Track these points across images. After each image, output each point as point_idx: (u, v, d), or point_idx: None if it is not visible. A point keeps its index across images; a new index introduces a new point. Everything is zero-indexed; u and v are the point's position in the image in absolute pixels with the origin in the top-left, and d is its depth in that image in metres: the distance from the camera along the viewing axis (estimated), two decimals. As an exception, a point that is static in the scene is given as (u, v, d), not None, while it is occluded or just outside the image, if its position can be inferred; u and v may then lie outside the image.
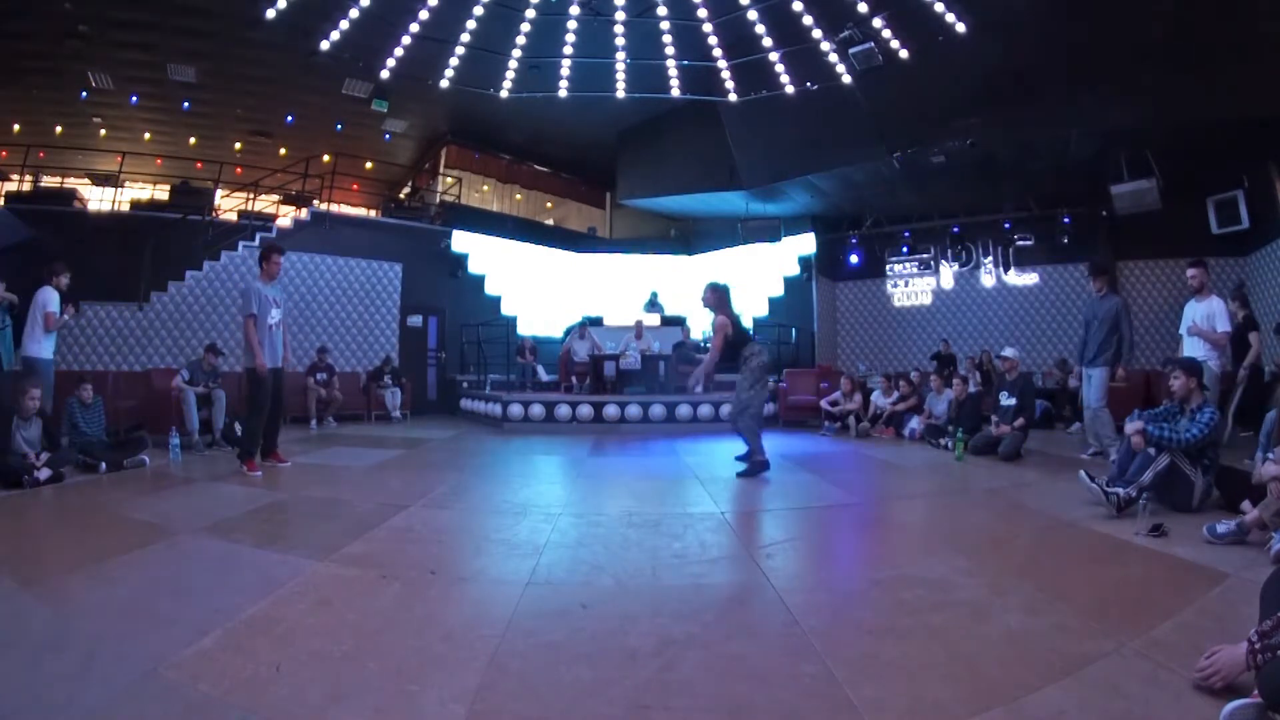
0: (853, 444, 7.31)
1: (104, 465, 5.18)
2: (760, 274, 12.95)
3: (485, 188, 15.21)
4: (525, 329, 12.60)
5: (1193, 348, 5.22)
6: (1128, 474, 3.73)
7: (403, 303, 11.49)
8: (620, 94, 9.24)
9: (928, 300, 12.35)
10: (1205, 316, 5.19)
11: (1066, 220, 10.59)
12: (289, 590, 2.48)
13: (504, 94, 9.09)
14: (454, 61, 8.67)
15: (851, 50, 7.54)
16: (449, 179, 13.61)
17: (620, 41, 8.44)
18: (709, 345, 11.72)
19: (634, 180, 13.44)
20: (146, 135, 13.78)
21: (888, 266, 12.42)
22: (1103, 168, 9.04)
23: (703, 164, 11.60)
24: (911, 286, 12.49)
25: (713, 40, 8.38)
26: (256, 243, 10.18)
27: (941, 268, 12.10)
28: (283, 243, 9.78)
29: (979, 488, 4.81)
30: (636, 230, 15.82)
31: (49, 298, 5.82)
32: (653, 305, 12.67)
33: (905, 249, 12.22)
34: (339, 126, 13.85)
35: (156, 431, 6.34)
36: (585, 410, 8.37)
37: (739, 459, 5.12)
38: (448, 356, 12.04)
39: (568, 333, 12.19)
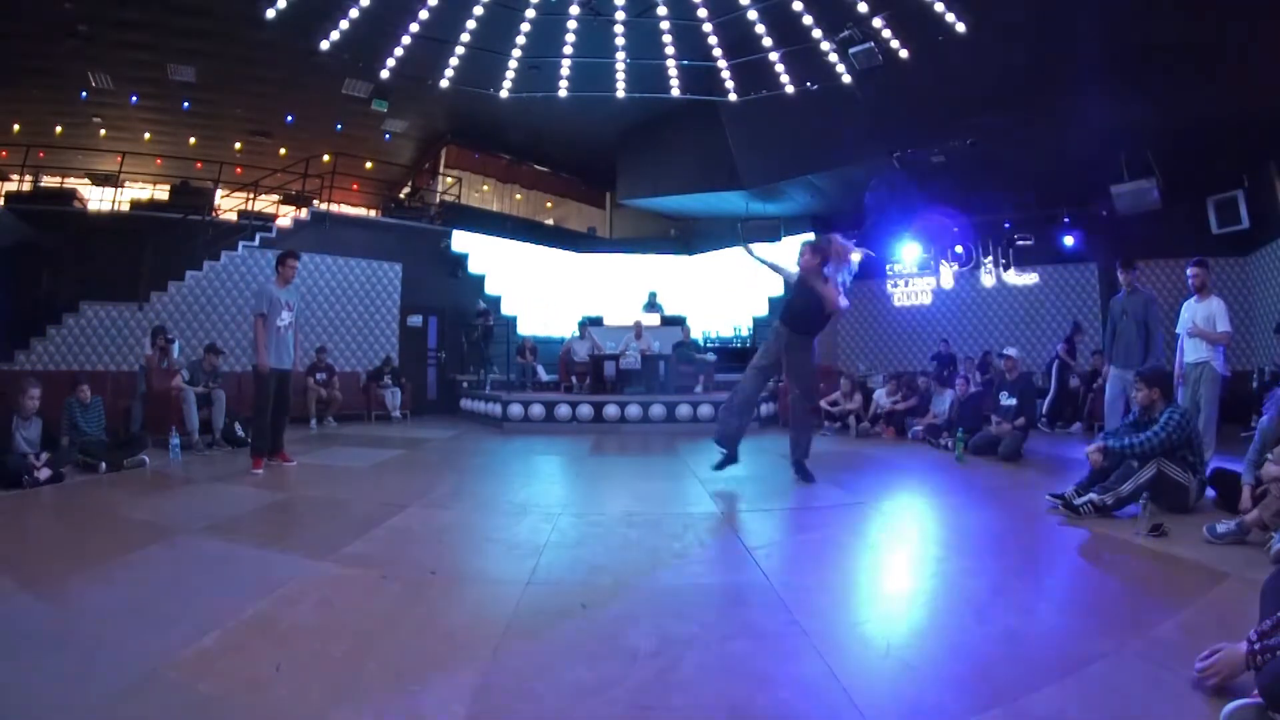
0: (853, 444, 7.30)
1: (104, 465, 5.18)
2: (760, 274, 12.96)
3: (485, 188, 15.21)
4: (525, 329, 12.60)
5: (1194, 349, 5.14)
6: (1108, 481, 3.70)
7: (403, 303, 11.49)
8: (620, 94, 9.24)
9: (928, 300, 12.34)
10: (1206, 317, 5.11)
11: (1066, 220, 10.59)
12: (289, 590, 2.48)
13: (504, 94, 9.08)
14: (454, 61, 8.66)
15: (851, 50, 7.53)
16: (449, 179, 13.61)
17: (620, 41, 8.44)
18: (709, 346, 11.71)
19: (634, 180, 13.44)
20: (146, 135, 13.78)
21: (888, 266, 12.40)
22: (1103, 168, 9.04)
23: (703, 164, 11.59)
24: (911, 286, 12.48)
25: (713, 40, 8.38)
26: (256, 243, 10.19)
27: (941, 268, 12.09)
28: (283, 243, 9.83)
29: (979, 488, 4.81)
30: (636, 230, 15.82)
31: None
32: (652, 305, 12.67)
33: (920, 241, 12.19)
34: (339, 126, 13.85)
35: (157, 432, 6.35)
36: (585, 410, 8.37)
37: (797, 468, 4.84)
38: (448, 356, 12.05)
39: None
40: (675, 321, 11.87)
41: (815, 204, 11.95)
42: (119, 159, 11.96)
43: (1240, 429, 7.26)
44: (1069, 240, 10.62)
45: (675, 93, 9.15)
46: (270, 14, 7.52)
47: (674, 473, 5.39)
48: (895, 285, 12.59)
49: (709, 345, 12.53)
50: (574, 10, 7.93)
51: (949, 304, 12.13)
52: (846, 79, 8.10)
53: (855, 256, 4.74)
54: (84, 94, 11.96)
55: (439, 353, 12.06)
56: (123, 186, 12.10)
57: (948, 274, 12.11)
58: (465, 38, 8.26)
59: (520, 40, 8.36)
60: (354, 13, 7.65)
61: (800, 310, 4.69)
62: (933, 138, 8.79)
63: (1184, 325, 5.26)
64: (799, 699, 1.71)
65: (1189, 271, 5.35)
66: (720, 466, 4.79)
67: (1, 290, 8.95)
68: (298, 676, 1.80)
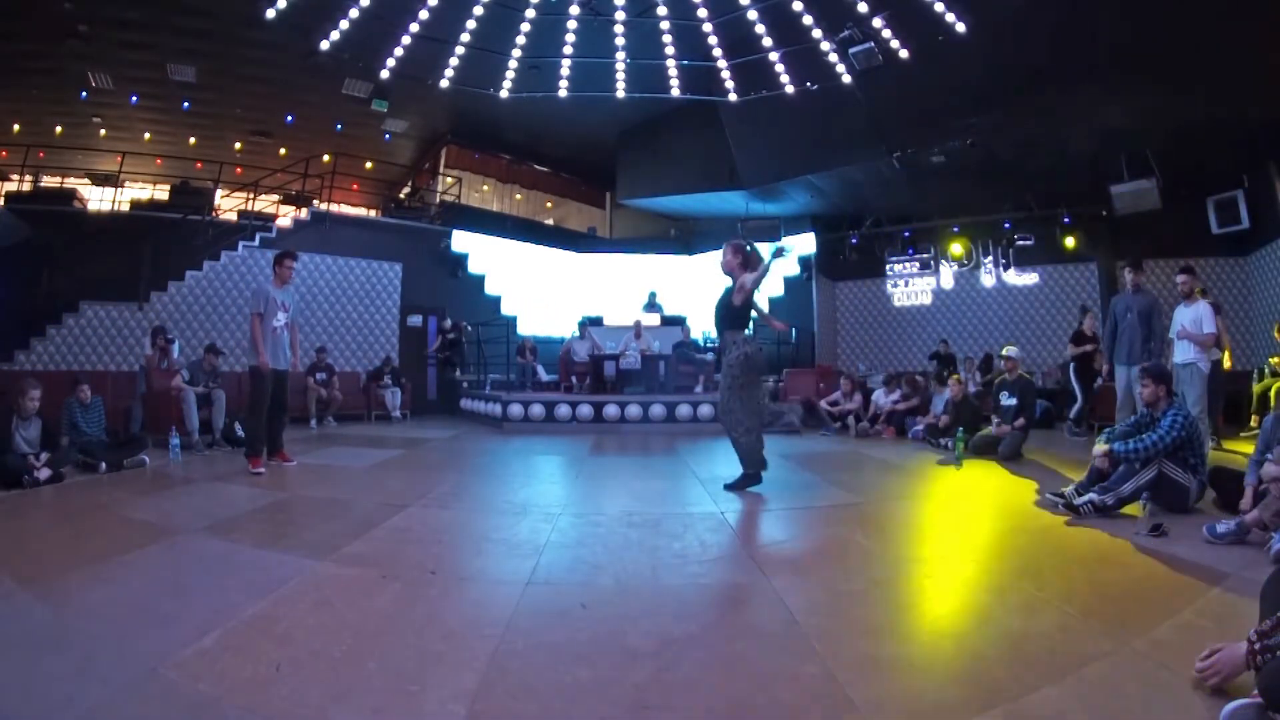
0: (853, 444, 7.30)
1: (104, 465, 5.18)
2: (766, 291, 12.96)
3: (485, 188, 15.21)
4: (525, 329, 12.60)
5: (1183, 351, 5.34)
6: (1108, 481, 3.70)
7: (403, 303, 11.50)
8: (620, 94, 9.24)
9: (928, 300, 12.35)
10: (1193, 320, 5.33)
11: (1067, 220, 10.59)
12: (289, 590, 2.47)
13: (504, 94, 9.08)
14: (454, 61, 8.66)
15: (851, 50, 7.54)
16: (449, 179, 13.61)
17: (620, 41, 8.44)
18: (709, 346, 11.69)
19: (634, 180, 13.44)
20: (146, 135, 13.79)
21: (888, 266, 12.42)
22: (1103, 168, 9.04)
23: (703, 164, 11.60)
24: (911, 286, 12.49)
25: (713, 40, 8.38)
26: (256, 243, 10.19)
27: (941, 268, 12.10)
28: (283, 243, 9.84)
29: (979, 488, 4.81)
30: (636, 230, 15.82)
31: None
32: (651, 305, 12.66)
33: (910, 249, 12.21)
34: (339, 126, 13.86)
35: (157, 432, 6.35)
36: (585, 410, 8.37)
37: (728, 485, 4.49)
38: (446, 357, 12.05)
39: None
40: (675, 321, 11.85)
41: (815, 204, 11.96)
42: (119, 159, 11.96)
43: (1239, 429, 7.27)
44: (1069, 240, 10.62)
45: (675, 93, 9.16)
46: (270, 14, 7.53)
47: (674, 473, 5.39)
48: (895, 285, 12.60)
49: (709, 345, 12.51)
50: (574, 10, 7.94)
51: (949, 304, 12.14)
52: (846, 79, 8.10)
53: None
54: (84, 94, 11.97)
55: (439, 353, 12.07)
56: (123, 186, 12.11)
57: (948, 274, 12.13)
58: (465, 38, 8.26)
59: (520, 40, 8.37)
60: (354, 13, 7.66)
61: (718, 307, 4.64)
62: (933, 138, 8.79)
63: (1174, 329, 5.48)
64: (799, 699, 1.71)
65: (1178, 279, 5.61)
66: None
67: (1, 290, 8.95)
68: (298, 676, 1.80)
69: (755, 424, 4.47)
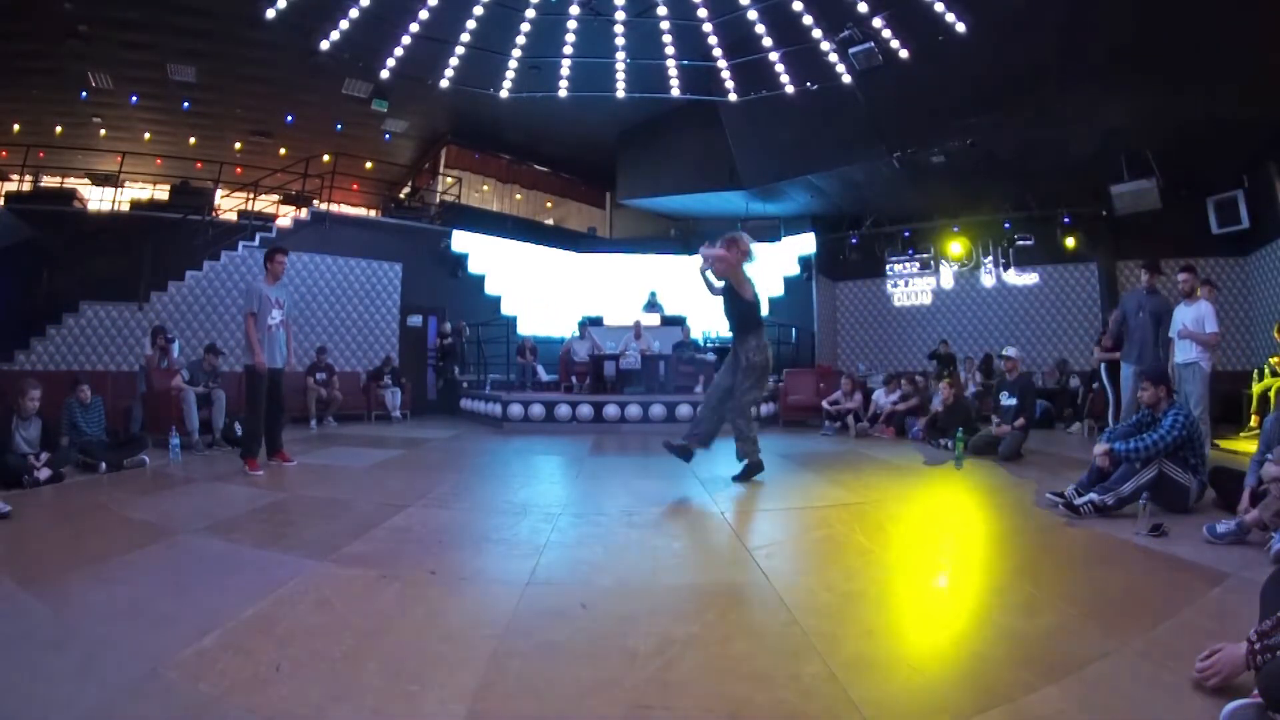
0: (853, 444, 7.30)
1: (104, 465, 5.18)
2: (760, 274, 12.95)
3: (485, 188, 15.21)
4: (525, 329, 12.60)
5: (1184, 350, 5.31)
6: (1108, 481, 3.69)
7: (403, 303, 11.50)
8: (620, 94, 9.24)
9: (928, 300, 12.35)
10: (1195, 319, 5.29)
11: (1067, 220, 10.59)
12: (289, 590, 2.47)
13: (504, 94, 9.09)
14: (454, 61, 8.67)
15: (851, 50, 7.54)
16: (449, 179, 13.61)
17: (620, 41, 8.45)
18: (709, 346, 11.70)
19: (634, 180, 13.44)
20: (146, 135, 13.79)
21: (888, 266, 12.42)
22: (1103, 168, 9.04)
23: (703, 164, 11.60)
24: (911, 286, 12.49)
25: (713, 40, 8.38)
26: (256, 242, 10.19)
27: (941, 268, 12.10)
28: (283, 243, 9.83)
29: (979, 488, 4.81)
30: (636, 230, 15.82)
31: None
32: (651, 305, 12.66)
33: (910, 250, 12.20)
34: (339, 126, 13.85)
35: (156, 432, 6.35)
36: (585, 410, 8.37)
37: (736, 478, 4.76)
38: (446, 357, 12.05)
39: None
40: (675, 321, 11.85)
41: (815, 204, 11.96)
42: (119, 159, 11.96)
43: (1237, 429, 7.27)
44: (1069, 240, 10.62)
45: (675, 93, 9.16)
46: (270, 14, 7.53)
47: (674, 473, 5.38)
48: (895, 285, 12.60)
49: (709, 345, 12.52)
50: (574, 10, 7.94)
51: (949, 304, 12.14)
52: (846, 79, 8.10)
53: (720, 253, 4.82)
54: (84, 94, 11.97)
55: (438, 358, 12.07)
56: (123, 186, 12.10)
57: (948, 274, 12.13)
58: (465, 38, 8.27)
59: (520, 40, 8.37)
60: (354, 13, 7.66)
61: (728, 306, 4.90)
62: (933, 138, 8.79)
63: (1174, 328, 5.42)
64: (799, 699, 1.71)
65: (1179, 277, 5.58)
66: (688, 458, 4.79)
67: (1, 290, 8.96)
68: (298, 676, 1.80)
69: (751, 418, 4.80)
